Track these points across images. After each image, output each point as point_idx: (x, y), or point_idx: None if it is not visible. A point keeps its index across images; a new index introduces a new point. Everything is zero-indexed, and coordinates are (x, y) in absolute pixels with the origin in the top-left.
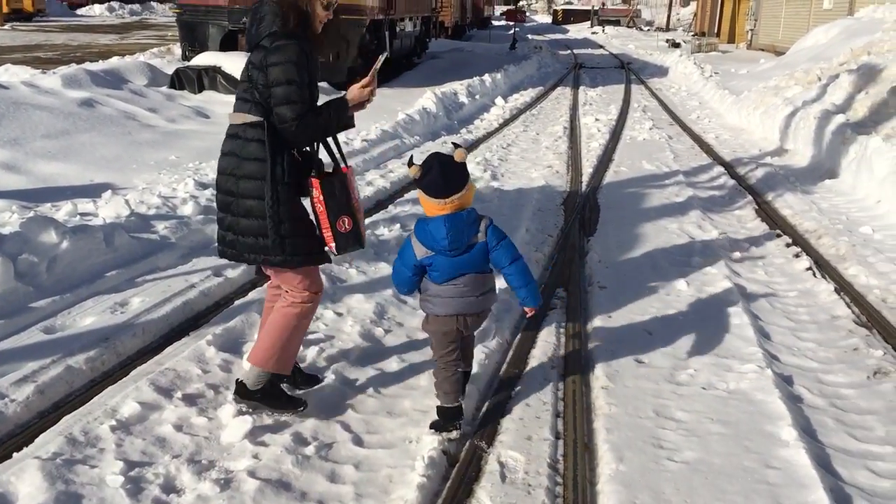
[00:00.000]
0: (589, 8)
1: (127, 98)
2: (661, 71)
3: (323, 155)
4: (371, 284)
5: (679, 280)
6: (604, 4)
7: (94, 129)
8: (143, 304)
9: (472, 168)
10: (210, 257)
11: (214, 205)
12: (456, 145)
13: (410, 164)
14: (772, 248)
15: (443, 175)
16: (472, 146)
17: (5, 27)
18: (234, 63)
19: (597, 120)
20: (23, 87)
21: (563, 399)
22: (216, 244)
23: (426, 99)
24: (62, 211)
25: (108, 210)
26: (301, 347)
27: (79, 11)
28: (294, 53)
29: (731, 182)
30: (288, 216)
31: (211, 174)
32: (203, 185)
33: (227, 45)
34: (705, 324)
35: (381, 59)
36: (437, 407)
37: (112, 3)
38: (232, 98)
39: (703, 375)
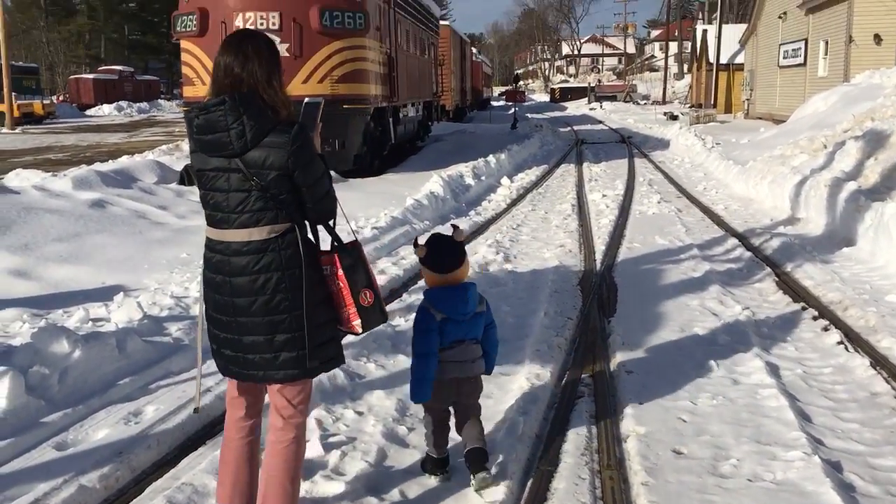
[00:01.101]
0: (585, 85)
1: (137, 197)
2: (663, 144)
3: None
4: (391, 379)
5: (708, 361)
6: (599, 81)
7: (105, 230)
8: (157, 413)
9: (484, 251)
10: None
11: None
12: (454, 227)
13: (416, 244)
14: (799, 322)
15: (446, 253)
16: (481, 228)
17: (16, 130)
18: None
19: (604, 196)
20: (34, 191)
21: (603, 499)
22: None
23: (433, 183)
24: (74, 317)
25: (120, 314)
26: (323, 452)
27: (88, 112)
28: (312, 142)
29: (748, 254)
30: (325, 318)
31: None
32: None
33: None
34: (741, 407)
35: (312, 101)
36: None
37: (120, 102)
38: None
39: (748, 465)
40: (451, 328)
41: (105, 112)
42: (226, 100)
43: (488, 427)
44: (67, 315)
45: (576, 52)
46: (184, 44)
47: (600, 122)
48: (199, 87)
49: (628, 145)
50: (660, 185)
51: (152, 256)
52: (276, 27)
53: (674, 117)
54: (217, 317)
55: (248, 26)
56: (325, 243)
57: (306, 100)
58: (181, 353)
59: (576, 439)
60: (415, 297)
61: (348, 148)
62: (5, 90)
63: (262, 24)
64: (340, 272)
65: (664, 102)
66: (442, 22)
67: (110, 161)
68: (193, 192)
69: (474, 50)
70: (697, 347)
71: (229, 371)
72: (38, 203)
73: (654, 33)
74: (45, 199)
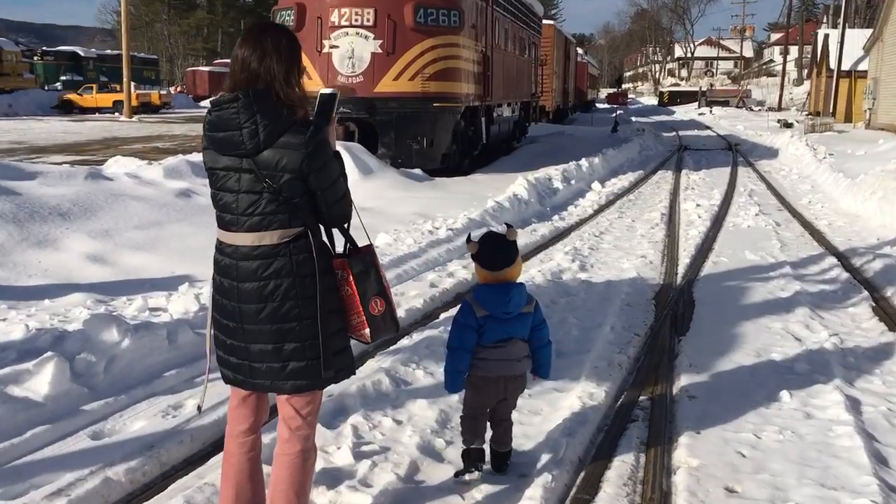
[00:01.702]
0: (696, 89)
1: None
2: (771, 153)
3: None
4: (438, 388)
5: (780, 391)
6: (711, 85)
7: (186, 220)
8: (196, 408)
9: (560, 258)
10: None
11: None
12: (508, 225)
13: (468, 240)
14: (892, 354)
15: (497, 251)
16: (562, 234)
17: (133, 119)
18: None
19: (698, 205)
20: (126, 178)
21: None
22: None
23: (518, 185)
24: (132, 306)
25: (177, 305)
26: (353, 461)
27: (202, 103)
28: (328, 144)
29: (845, 275)
30: (339, 326)
31: None
32: None
33: None
34: (809, 445)
35: (328, 92)
36: (493, 453)
37: None
38: None
39: None
40: (494, 326)
41: None
42: (239, 97)
43: (529, 445)
44: (129, 302)
45: (689, 55)
46: None
47: (708, 127)
48: None
49: (734, 153)
50: (761, 197)
51: None
52: (371, 23)
53: (788, 125)
54: (224, 322)
55: (342, 22)
56: (340, 245)
57: (321, 91)
58: None
59: (620, 467)
60: None
61: (436, 146)
62: (125, 81)
63: (356, 19)
64: (351, 278)
65: (780, 109)
66: (546, 21)
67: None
68: None
69: (580, 50)
70: (772, 375)
71: (235, 380)
72: (128, 190)
73: (775, 37)
74: (134, 187)
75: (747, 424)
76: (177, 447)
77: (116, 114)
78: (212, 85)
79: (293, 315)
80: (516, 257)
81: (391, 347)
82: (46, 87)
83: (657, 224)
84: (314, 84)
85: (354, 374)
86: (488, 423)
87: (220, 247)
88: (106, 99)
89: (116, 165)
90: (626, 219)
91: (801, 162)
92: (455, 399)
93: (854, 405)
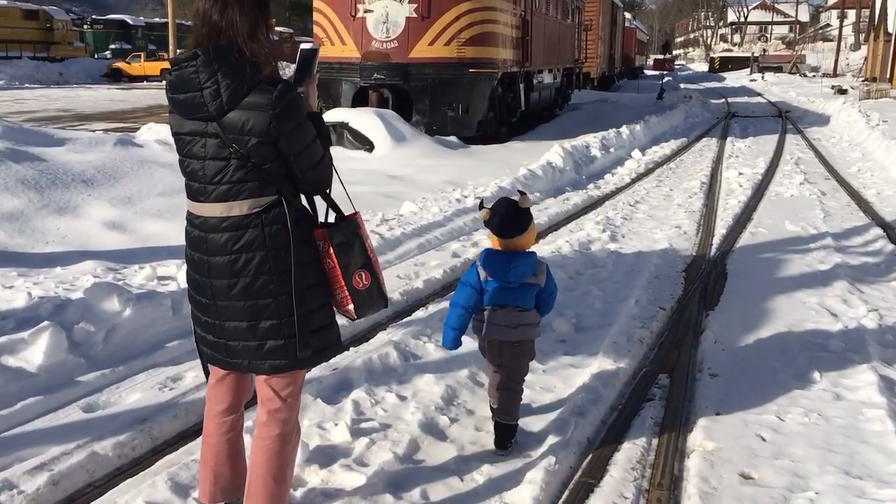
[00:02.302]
0: (748, 55)
1: None
2: (822, 120)
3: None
4: (448, 363)
5: (810, 370)
6: (764, 51)
7: None
8: (196, 380)
9: (591, 228)
10: None
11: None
12: (522, 192)
13: (481, 206)
14: None
15: (508, 218)
16: (596, 203)
17: None
18: (361, 119)
19: (740, 174)
20: (156, 145)
21: None
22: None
23: (553, 153)
24: (141, 274)
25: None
26: (350, 439)
27: None
28: (299, 103)
29: (891, 247)
30: (320, 301)
31: None
32: None
33: (360, 100)
34: (836, 429)
35: (308, 48)
36: (495, 424)
37: (280, 63)
38: (358, 154)
39: (827, 502)
40: (496, 291)
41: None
42: (198, 53)
43: (538, 425)
44: (139, 270)
45: (742, 20)
46: (316, 3)
47: (759, 94)
48: (328, 47)
49: (783, 120)
50: (808, 165)
51: None
52: None
53: (842, 91)
54: (197, 298)
55: None
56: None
57: (301, 46)
58: None
59: (630, 449)
60: None
61: (472, 113)
62: (170, 48)
63: None
64: (331, 250)
65: (835, 75)
66: None
67: None
68: None
69: (628, 15)
70: (802, 352)
71: (212, 358)
72: (156, 157)
73: (832, 0)
74: (163, 153)
75: (771, 406)
76: (170, 421)
77: (163, 81)
78: None
79: (267, 291)
80: (528, 225)
81: (405, 319)
82: (96, 56)
83: (695, 193)
84: (350, 50)
85: (341, 351)
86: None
87: (190, 218)
88: (153, 67)
89: (149, 132)
90: (664, 188)
91: (852, 129)
92: (465, 374)
93: (889, 386)
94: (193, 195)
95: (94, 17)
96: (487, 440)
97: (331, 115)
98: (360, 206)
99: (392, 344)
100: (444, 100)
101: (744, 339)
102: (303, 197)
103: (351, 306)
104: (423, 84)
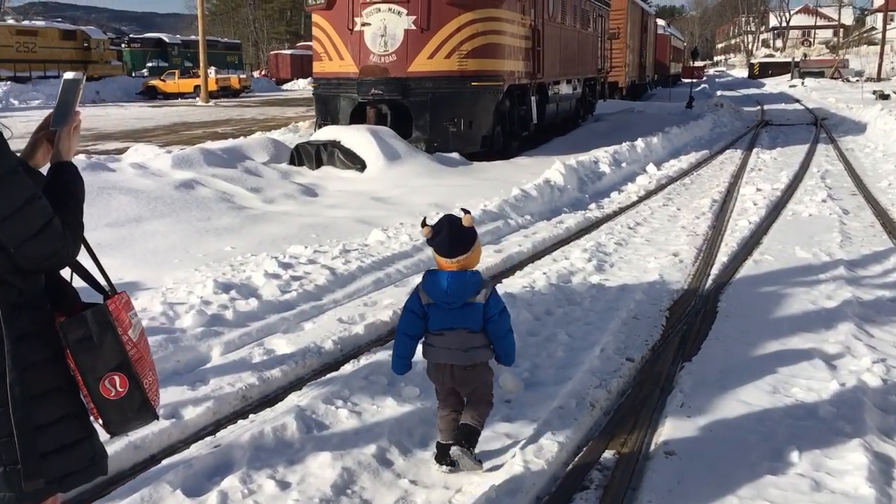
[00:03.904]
0: (789, 60)
1: (234, 178)
2: (859, 127)
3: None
4: (357, 434)
5: (790, 446)
6: (805, 56)
7: (171, 215)
8: None
9: (576, 257)
10: (181, 387)
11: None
12: (465, 211)
13: (424, 224)
14: None
15: (451, 237)
16: (591, 227)
17: (210, 103)
18: (353, 137)
19: (758, 190)
20: (130, 169)
21: None
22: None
23: (553, 171)
24: None
25: None
26: None
27: (285, 87)
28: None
29: None
30: (59, 413)
31: (249, 271)
32: (226, 287)
33: (358, 117)
34: None
35: (71, 77)
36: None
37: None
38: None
39: None
40: (439, 314)
41: (300, 86)
42: None
43: None
44: None
45: (784, 24)
46: (314, 17)
47: (797, 101)
48: (326, 63)
49: (818, 128)
50: (834, 178)
51: (195, 248)
52: None
53: (884, 96)
54: None
55: None
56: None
57: (64, 75)
58: None
59: None
60: None
61: (475, 129)
62: (201, 66)
63: None
64: (68, 349)
65: (879, 80)
66: None
67: (242, 138)
68: (302, 173)
69: (661, 22)
70: (784, 421)
71: None
72: (124, 182)
73: (878, 2)
74: (133, 178)
75: (731, 497)
76: None
77: (196, 98)
78: (294, 68)
79: None
80: (472, 244)
81: (328, 375)
82: (134, 74)
83: (704, 213)
84: (347, 65)
85: (99, 475)
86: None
87: None
88: (187, 84)
89: (135, 154)
90: (672, 206)
91: (888, 138)
92: (372, 450)
93: (883, 471)
94: None
95: (131, 36)
96: None
97: (322, 134)
98: (331, 233)
99: (295, 411)
100: (446, 115)
101: (718, 400)
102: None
103: (101, 420)
104: (423, 99)
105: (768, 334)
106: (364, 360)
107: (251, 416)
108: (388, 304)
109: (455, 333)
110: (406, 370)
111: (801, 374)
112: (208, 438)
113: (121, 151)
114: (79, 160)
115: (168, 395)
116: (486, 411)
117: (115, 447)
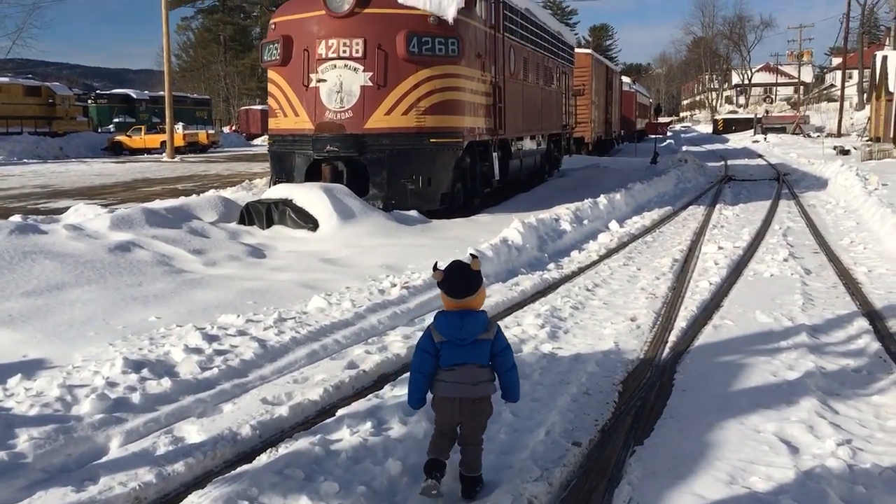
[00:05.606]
0: (752, 116)
1: (176, 239)
2: (820, 183)
3: None
4: None
5: None
6: (767, 112)
7: (98, 281)
8: None
9: (529, 323)
10: (63, 488)
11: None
12: (473, 255)
13: (435, 268)
14: None
15: (461, 280)
16: (549, 288)
17: (175, 159)
18: (306, 196)
19: (720, 248)
20: (63, 231)
21: None
22: None
23: (511, 230)
24: None
25: None
26: None
27: (255, 142)
28: None
29: (876, 345)
30: None
31: (169, 345)
32: (137, 366)
33: (314, 174)
34: None
35: None
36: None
37: None
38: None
39: None
40: (451, 350)
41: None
42: None
43: None
44: None
45: (746, 82)
46: (270, 73)
47: (760, 156)
48: (281, 119)
49: (780, 183)
50: (796, 236)
51: (116, 319)
52: (360, 55)
53: (844, 152)
54: None
55: (330, 54)
56: None
57: None
58: (8, 477)
59: None
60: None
61: (434, 186)
62: (167, 121)
63: (345, 51)
64: None
65: (839, 135)
66: (582, 50)
67: (193, 196)
68: (251, 233)
69: (626, 80)
70: None
71: None
72: (51, 245)
73: (836, 61)
74: (66, 241)
75: None
76: None
77: (163, 154)
78: (264, 123)
79: None
80: (479, 286)
81: (239, 469)
82: (100, 130)
83: (664, 273)
84: (303, 122)
85: None
86: (458, 446)
87: None
88: (154, 140)
89: (75, 214)
90: (632, 266)
91: (849, 193)
92: None
93: None
94: None
95: (97, 91)
96: None
97: (273, 192)
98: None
99: None
100: (403, 172)
101: (669, 493)
102: None
103: None
104: (380, 156)
105: (726, 412)
106: (283, 449)
107: None
108: (319, 381)
109: (465, 368)
110: (422, 405)
111: (760, 461)
112: None
113: (68, 209)
114: (7, 222)
115: (45, 501)
116: (480, 455)
117: None
